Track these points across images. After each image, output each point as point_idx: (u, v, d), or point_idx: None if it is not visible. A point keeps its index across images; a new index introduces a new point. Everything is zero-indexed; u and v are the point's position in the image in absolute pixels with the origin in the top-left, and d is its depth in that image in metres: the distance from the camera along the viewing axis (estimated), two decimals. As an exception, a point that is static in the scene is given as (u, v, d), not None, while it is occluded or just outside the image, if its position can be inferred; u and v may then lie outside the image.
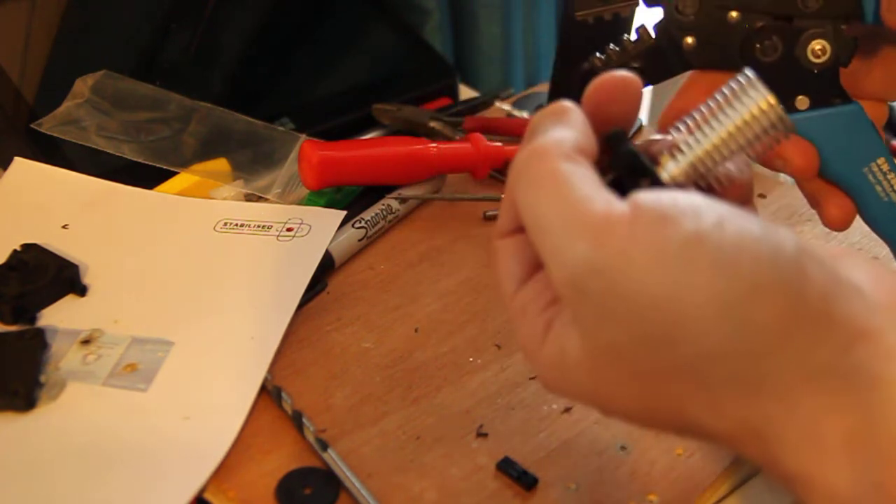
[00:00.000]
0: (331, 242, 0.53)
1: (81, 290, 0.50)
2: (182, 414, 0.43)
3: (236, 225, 0.55)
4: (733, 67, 0.36)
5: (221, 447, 0.41)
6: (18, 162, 0.58)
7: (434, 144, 0.59)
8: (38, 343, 0.45)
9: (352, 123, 0.67)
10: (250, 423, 0.43)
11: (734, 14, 0.40)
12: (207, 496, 0.40)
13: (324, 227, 0.54)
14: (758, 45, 0.40)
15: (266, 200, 0.57)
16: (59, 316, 0.49)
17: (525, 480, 0.40)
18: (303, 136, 0.61)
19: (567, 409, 0.44)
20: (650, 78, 0.41)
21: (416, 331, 0.50)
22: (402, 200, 0.58)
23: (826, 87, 0.40)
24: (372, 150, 0.58)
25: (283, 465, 0.41)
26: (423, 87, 0.73)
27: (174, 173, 0.58)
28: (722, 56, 0.41)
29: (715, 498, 0.42)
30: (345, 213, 0.55)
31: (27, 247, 0.51)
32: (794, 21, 0.40)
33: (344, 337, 0.49)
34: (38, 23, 0.64)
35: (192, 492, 0.39)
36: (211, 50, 0.69)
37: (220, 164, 0.59)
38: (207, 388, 0.44)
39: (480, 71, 0.95)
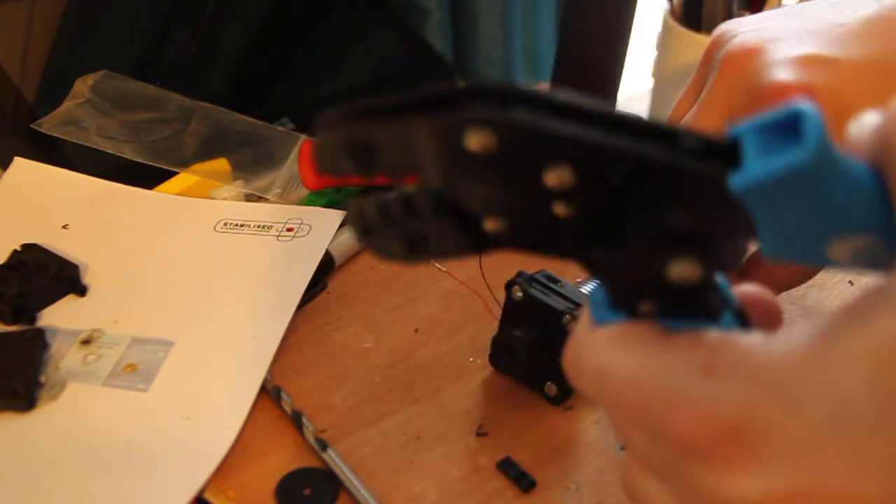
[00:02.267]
0: (331, 242, 0.53)
1: (81, 290, 0.50)
2: (182, 414, 0.43)
3: (236, 225, 0.55)
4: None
5: (221, 447, 0.41)
6: (18, 162, 0.58)
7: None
8: (38, 343, 0.45)
9: (352, 123, 0.67)
10: (250, 423, 0.43)
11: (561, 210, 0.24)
12: (207, 496, 0.40)
13: (324, 227, 0.54)
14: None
15: (266, 200, 0.57)
16: (59, 316, 0.49)
17: (524, 481, 0.40)
18: (303, 136, 0.61)
19: (567, 409, 0.44)
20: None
21: (416, 331, 0.50)
22: (402, 200, 0.58)
23: (685, 301, 0.25)
24: (372, 150, 0.58)
25: (282, 465, 0.41)
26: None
27: (174, 173, 0.58)
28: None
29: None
30: (345, 213, 0.54)
31: (27, 247, 0.51)
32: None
33: (344, 337, 0.49)
34: (38, 23, 0.64)
35: (192, 492, 0.39)
36: (211, 50, 0.69)
37: (220, 164, 0.59)
38: (207, 388, 0.44)
39: (480, 71, 0.95)
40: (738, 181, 0.21)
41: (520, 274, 0.44)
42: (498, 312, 0.46)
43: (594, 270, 0.25)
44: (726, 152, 0.22)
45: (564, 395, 0.44)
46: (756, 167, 0.20)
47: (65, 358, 0.46)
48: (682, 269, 0.24)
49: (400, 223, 0.25)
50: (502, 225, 0.25)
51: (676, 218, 0.23)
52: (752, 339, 0.23)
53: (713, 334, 0.24)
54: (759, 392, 0.22)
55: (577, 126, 0.22)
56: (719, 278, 0.25)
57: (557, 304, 0.42)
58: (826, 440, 0.21)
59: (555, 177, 0.23)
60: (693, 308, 0.25)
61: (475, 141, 0.22)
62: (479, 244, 0.25)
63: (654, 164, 0.22)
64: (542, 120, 0.22)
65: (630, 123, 0.22)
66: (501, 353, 0.45)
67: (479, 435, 0.43)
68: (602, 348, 0.26)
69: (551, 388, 0.44)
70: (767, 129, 0.21)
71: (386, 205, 0.25)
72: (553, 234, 0.25)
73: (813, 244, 0.22)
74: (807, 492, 0.22)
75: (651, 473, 0.27)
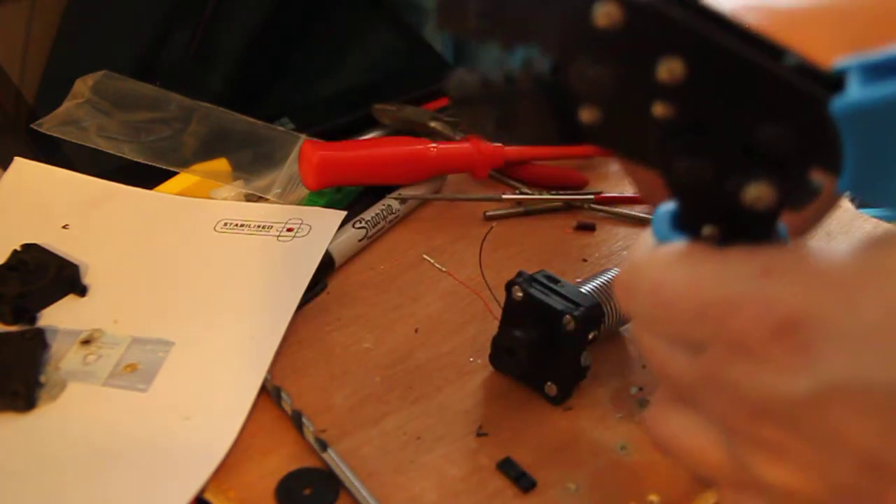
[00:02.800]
0: (331, 242, 0.53)
1: (81, 290, 0.50)
2: (182, 414, 0.43)
3: (236, 225, 0.55)
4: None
5: (221, 447, 0.41)
6: (18, 162, 0.58)
7: (434, 144, 0.59)
8: (38, 343, 0.45)
9: (352, 123, 0.67)
10: (250, 423, 0.43)
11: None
12: (207, 496, 0.40)
13: (324, 227, 0.54)
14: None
15: (266, 200, 0.57)
16: (59, 316, 0.49)
17: (524, 481, 0.40)
18: (303, 136, 0.61)
19: (567, 409, 0.44)
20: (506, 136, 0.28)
21: (416, 331, 0.50)
22: (402, 200, 0.58)
23: (749, 231, 0.26)
24: (372, 150, 0.58)
25: (282, 466, 0.41)
26: (423, 87, 0.72)
27: (174, 173, 0.58)
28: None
29: (715, 498, 0.42)
30: (345, 213, 0.54)
31: (27, 247, 0.51)
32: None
33: (344, 337, 0.49)
34: (38, 23, 0.64)
35: (192, 492, 0.39)
36: (211, 50, 0.69)
37: (220, 164, 0.59)
38: (207, 388, 0.44)
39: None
40: (840, 103, 0.22)
41: (520, 274, 0.44)
42: (498, 312, 0.46)
43: (672, 181, 0.26)
44: (828, 81, 0.23)
45: (564, 395, 0.44)
46: (859, 92, 0.22)
47: (65, 358, 0.46)
48: (757, 192, 0.25)
49: (499, 98, 0.27)
50: (598, 117, 0.26)
51: (767, 134, 0.24)
52: (811, 247, 0.24)
53: (771, 246, 0.25)
54: (818, 289, 0.23)
55: (699, 20, 0.23)
56: (780, 226, 0.26)
57: (557, 304, 0.42)
58: (882, 336, 0.22)
59: (667, 69, 0.24)
60: (754, 241, 0.26)
61: (604, 15, 0.23)
62: (568, 133, 0.27)
63: (762, 72, 0.23)
64: (671, 7, 0.23)
65: (742, 31, 0.23)
66: (501, 353, 0.45)
67: (479, 435, 0.43)
68: (661, 262, 0.26)
69: (551, 388, 0.44)
70: (872, 68, 0.23)
71: (489, 78, 0.27)
72: (643, 136, 0.26)
73: (892, 183, 0.23)
74: (857, 386, 0.22)
75: (683, 405, 0.27)
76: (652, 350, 0.28)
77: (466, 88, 0.27)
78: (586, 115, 0.26)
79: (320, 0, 0.74)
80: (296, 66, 0.71)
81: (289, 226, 0.54)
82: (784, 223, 0.27)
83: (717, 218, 0.26)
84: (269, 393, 0.44)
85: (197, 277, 0.51)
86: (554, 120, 0.26)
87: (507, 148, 0.61)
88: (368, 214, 0.56)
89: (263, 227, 0.54)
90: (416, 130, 0.65)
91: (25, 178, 0.57)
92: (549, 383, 0.44)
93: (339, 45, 0.74)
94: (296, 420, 0.43)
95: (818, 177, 0.25)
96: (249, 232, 0.54)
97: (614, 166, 0.66)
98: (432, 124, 0.65)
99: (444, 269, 0.54)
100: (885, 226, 0.24)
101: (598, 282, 0.47)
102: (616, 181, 0.64)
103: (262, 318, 0.48)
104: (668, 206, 0.28)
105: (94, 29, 0.66)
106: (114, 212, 0.56)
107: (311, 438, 0.42)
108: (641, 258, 0.27)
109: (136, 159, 0.57)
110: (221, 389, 0.44)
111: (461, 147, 0.60)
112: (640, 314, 0.28)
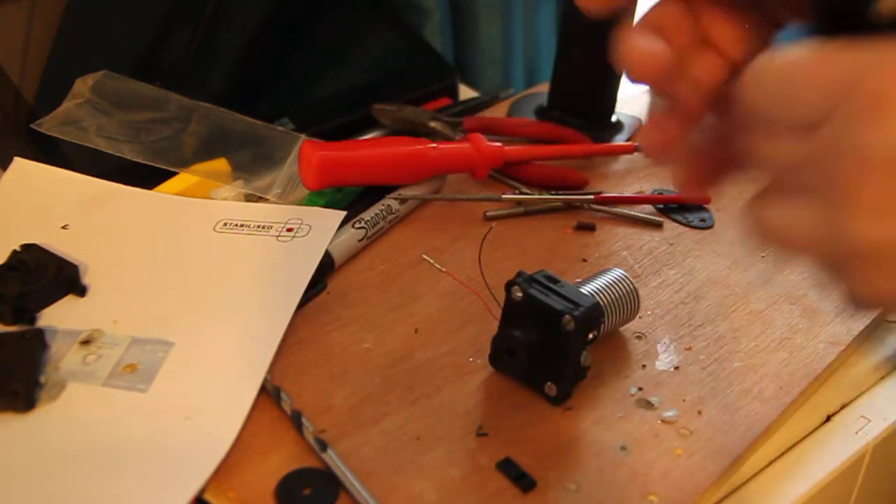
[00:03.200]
0: (331, 242, 0.53)
1: (81, 290, 0.50)
2: (182, 414, 0.43)
3: (236, 225, 0.55)
4: None
5: (221, 447, 0.41)
6: (18, 162, 0.58)
7: (434, 144, 0.59)
8: (38, 343, 0.45)
9: (352, 123, 0.67)
10: (250, 424, 0.43)
11: None
12: (207, 496, 0.40)
13: (324, 227, 0.54)
14: None
15: (266, 200, 0.57)
16: (59, 316, 0.49)
17: (524, 482, 0.40)
18: (303, 136, 0.61)
19: (567, 409, 0.44)
20: None
21: (416, 331, 0.50)
22: (402, 200, 0.58)
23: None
24: (372, 150, 0.58)
25: (282, 466, 0.41)
26: (423, 87, 0.73)
27: (174, 173, 0.58)
28: None
29: (715, 498, 0.42)
30: (345, 213, 0.54)
31: (27, 247, 0.51)
32: None
33: (344, 337, 0.49)
34: (38, 23, 0.64)
35: (192, 492, 0.39)
36: (211, 50, 0.69)
37: (220, 164, 0.59)
38: (207, 389, 0.44)
39: (480, 71, 0.95)
40: None
41: (519, 274, 0.44)
42: (498, 312, 0.46)
43: None
44: None
45: (564, 395, 0.44)
46: None
47: (64, 358, 0.46)
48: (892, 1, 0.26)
49: None
50: None
51: None
52: None
53: None
54: None
55: None
56: None
57: (557, 304, 0.42)
58: None
59: None
60: None
61: None
62: None
63: None
64: None
65: None
66: (501, 353, 0.45)
67: (479, 435, 0.43)
68: (791, 54, 0.28)
69: (551, 388, 0.44)
70: None
71: None
72: None
73: None
74: None
75: (782, 195, 0.29)
76: (765, 140, 0.29)
77: None
78: None
79: (320, 0, 0.74)
80: (296, 66, 0.71)
81: (288, 226, 0.54)
82: None
83: (850, 32, 0.27)
84: (269, 393, 0.44)
85: (197, 277, 0.51)
86: None
87: (507, 148, 0.61)
88: (368, 214, 0.56)
89: (263, 227, 0.54)
90: (416, 130, 0.65)
91: (25, 178, 0.57)
92: (549, 383, 0.44)
93: (339, 45, 0.74)
94: (295, 420, 0.43)
95: None
96: (249, 232, 0.54)
97: (614, 166, 0.66)
98: (432, 124, 0.65)
99: (443, 269, 0.54)
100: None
101: (598, 282, 0.47)
102: (616, 181, 0.64)
103: (262, 318, 0.48)
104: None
105: (94, 29, 0.66)
106: (114, 212, 0.56)
107: (310, 438, 0.42)
108: (769, 56, 0.28)
109: (136, 159, 0.57)
110: (221, 389, 0.44)
111: (461, 147, 0.60)
112: (762, 102, 0.28)
